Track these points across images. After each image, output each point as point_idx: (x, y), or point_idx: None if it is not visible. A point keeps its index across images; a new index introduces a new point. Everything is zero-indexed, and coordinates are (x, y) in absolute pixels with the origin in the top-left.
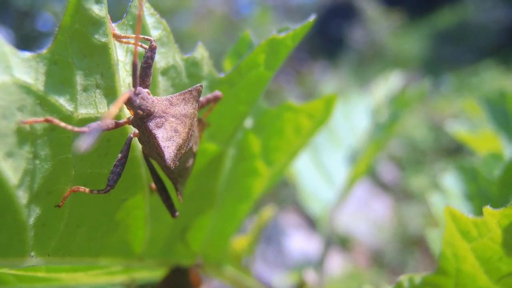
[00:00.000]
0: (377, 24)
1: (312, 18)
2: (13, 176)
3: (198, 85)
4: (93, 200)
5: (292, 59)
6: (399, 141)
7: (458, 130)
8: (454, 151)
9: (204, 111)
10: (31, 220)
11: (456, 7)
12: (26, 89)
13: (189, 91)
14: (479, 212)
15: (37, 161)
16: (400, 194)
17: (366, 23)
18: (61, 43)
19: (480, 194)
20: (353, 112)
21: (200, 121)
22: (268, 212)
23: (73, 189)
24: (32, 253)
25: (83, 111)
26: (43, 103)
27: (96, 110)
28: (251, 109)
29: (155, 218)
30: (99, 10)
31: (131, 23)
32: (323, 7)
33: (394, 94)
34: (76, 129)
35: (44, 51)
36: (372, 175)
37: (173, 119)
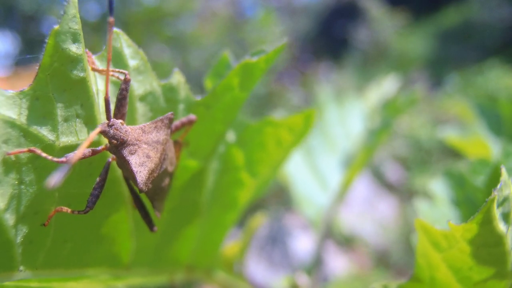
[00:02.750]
0: (381, 24)
1: (283, 41)
2: (0, 201)
3: (169, 113)
4: (78, 218)
5: (296, 60)
6: (404, 141)
7: (448, 135)
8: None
9: (181, 132)
10: (19, 239)
11: (461, 5)
12: (11, 123)
13: (160, 119)
14: (466, 219)
15: (23, 186)
16: (405, 194)
17: (371, 23)
18: (42, 80)
19: (467, 201)
20: (348, 117)
21: (176, 142)
22: (257, 219)
23: (57, 209)
24: (21, 268)
25: (64, 139)
26: (26, 134)
27: (77, 138)
28: (228, 127)
29: (140, 230)
30: (76, 49)
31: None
32: (327, 7)
33: (387, 99)
34: (55, 159)
35: (26, 88)
36: (377, 176)
37: (145, 146)
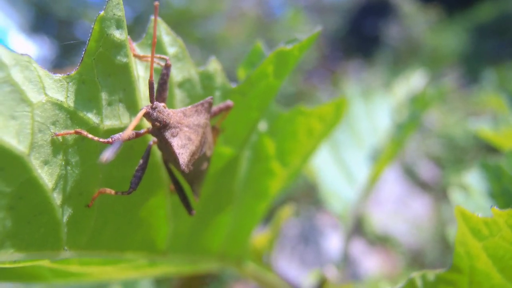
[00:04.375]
0: (413, 20)
1: (318, 29)
2: (48, 181)
3: (209, 98)
4: (119, 200)
5: (326, 58)
6: (437, 139)
7: (480, 127)
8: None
9: (218, 118)
10: (65, 218)
11: None
12: (59, 106)
13: (201, 103)
14: None
15: (69, 167)
16: (440, 193)
17: (402, 20)
18: (87, 65)
19: (505, 193)
20: (376, 112)
21: (213, 128)
22: (286, 210)
23: (100, 191)
24: (66, 247)
25: (108, 123)
26: (73, 117)
27: (120, 122)
28: (262, 115)
29: (176, 217)
30: (119, 35)
31: (149, 42)
32: (357, 5)
33: (415, 93)
34: (101, 140)
35: (73, 72)
36: (410, 174)
37: (186, 129)
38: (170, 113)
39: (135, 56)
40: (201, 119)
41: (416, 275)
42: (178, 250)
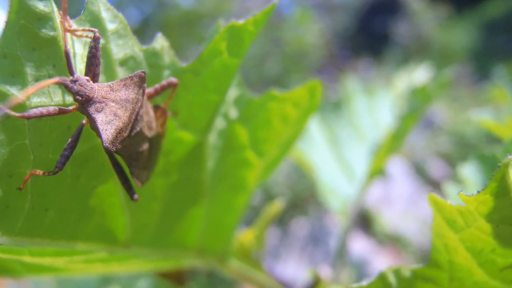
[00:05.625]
0: (422, 17)
1: (273, 2)
2: None
3: (139, 71)
4: (61, 185)
5: (335, 57)
6: (448, 137)
7: (483, 118)
8: None
9: (164, 98)
10: None
11: None
12: None
13: (130, 77)
14: None
15: None
16: None
17: (411, 17)
18: (9, 38)
19: None
20: (378, 107)
21: (158, 107)
22: (274, 205)
23: (31, 173)
24: None
25: (37, 100)
26: None
27: (50, 99)
28: (222, 98)
29: (135, 206)
30: (43, 6)
31: (88, 18)
32: (366, 3)
33: (415, 86)
34: (17, 114)
35: None
36: (421, 173)
37: (113, 104)
38: (94, 87)
39: (67, 31)
40: (130, 94)
41: (387, 270)
42: (143, 242)
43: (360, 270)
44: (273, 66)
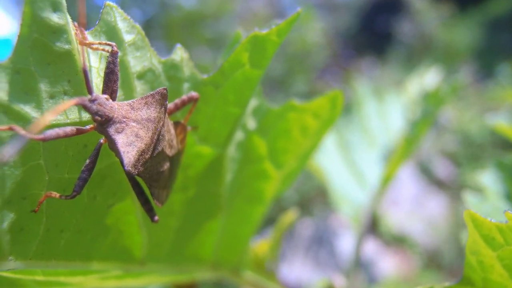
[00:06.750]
0: (426, 16)
1: (297, 10)
2: None
3: (161, 88)
4: (77, 206)
5: (338, 56)
6: (453, 136)
7: (498, 123)
8: None
9: (184, 114)
10: (5, 225)
11: None
12: None
13: (151, 94)
14: None
15: (6, 168)
16: (456, 191)
17: (414, 16)
18: (21, 53)
19: None
20: (388, 111)
21: (178, 124)
22: (289, 215)
23: (47, 194)
24: (11, 257)
25: (52, 118)
26: (7, 111)
27: (66, 117)
28: (243, 110)
29: (152, 223)
30: (58, 18)
31: (104, 29)
32: (368, 2)
33: (428, 90)
34: (35, 137)
35: (4, 61)
36: (426, 173)
37: (134, 124)
38: (114, 106)
39: (83, 44)
40: (152, 112)
41: None
42: (159, 259)
43: (368, 271)
44: (276, 66)
